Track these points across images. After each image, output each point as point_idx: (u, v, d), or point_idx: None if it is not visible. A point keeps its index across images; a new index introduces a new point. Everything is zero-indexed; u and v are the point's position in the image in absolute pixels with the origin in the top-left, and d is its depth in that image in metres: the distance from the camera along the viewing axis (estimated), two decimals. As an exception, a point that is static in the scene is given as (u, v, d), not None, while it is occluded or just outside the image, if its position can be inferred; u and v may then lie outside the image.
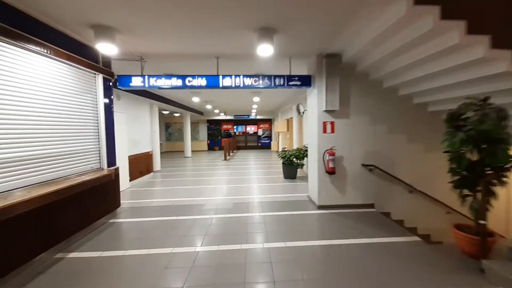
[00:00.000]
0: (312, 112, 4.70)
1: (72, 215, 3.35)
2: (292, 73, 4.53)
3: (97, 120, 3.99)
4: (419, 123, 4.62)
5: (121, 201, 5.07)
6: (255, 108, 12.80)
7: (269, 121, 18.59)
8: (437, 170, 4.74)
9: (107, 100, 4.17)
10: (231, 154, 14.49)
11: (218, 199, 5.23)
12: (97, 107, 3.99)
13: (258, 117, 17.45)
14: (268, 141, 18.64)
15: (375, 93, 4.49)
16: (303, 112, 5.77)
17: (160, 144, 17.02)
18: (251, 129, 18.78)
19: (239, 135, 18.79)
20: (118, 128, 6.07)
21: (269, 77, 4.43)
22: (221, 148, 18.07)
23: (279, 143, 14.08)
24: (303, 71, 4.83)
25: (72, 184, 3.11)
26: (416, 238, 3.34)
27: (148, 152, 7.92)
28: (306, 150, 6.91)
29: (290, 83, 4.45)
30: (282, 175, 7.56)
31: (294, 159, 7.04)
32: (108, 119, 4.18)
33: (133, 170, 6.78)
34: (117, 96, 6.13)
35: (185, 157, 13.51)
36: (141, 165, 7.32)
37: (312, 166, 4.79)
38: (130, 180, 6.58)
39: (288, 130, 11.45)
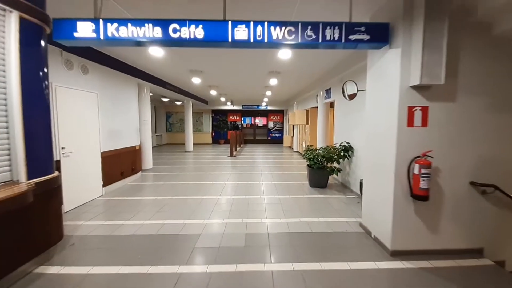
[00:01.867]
0: (384, 90, 2.79)
1: None
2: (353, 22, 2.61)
3: (4, 94, 2.21)
4: None
5: (80, 222, 3.42)
6: (268, 95, 10.85)
7: (280, 113, 16.63)
8: None
9: (31, 61, 2.37)
10: (238, 149, 12.72)
11: (222, 223, 3.45)
12: (4, 71, 2.19)
13: (269, 107, 15.50)
14: (279, 135, 16.74)
15: (502, 57, 2.53)
16: (351, 95, 3.84)
17: (160, 135, 15.40)
18: (260, 121, 16.87)
19: (247, 127, 16.95)
20: (84, 113, 4.31)
21: (314, 26, 2.52)
22: (226, 142, 16.32)
23: (294, 138, 12.18)
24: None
25: None
26: None
27: (135, 146, 6.19)
28: (345, 150, 5.04)
29: (351, 37, 2.53)
30: (306, 181, 5.73)
31: (325, 162, 5.18)
32: (32, 94, 2.39)
33: (110, 171, 5.07)
34: (83, 68, 4.34)
35: (185, 151, 11.79)
36: (122, 163, 5.61)
37: (377, 181, 2.92)
38: (105, 185, 4.87)
39: (307, 122, 9.53)
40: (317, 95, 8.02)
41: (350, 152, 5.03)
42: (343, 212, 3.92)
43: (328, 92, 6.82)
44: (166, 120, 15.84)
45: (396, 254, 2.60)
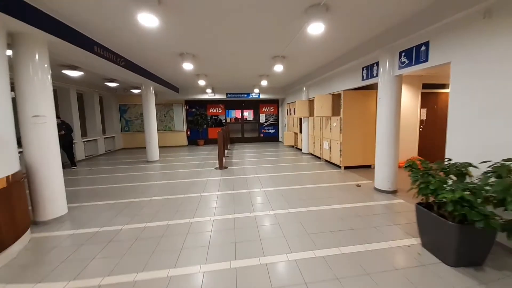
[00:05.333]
0: None
1: None
2: None
3: None
4: None
5: None
6: (277, 72, 7.37)
7: (275, 103, 13.33)
8: None
9: None
10: (225, 152, 9.19)
11: None
12: None
13: (261, 96, 12.09)
14: (273, 130, 13.48)
15: None
16: None
17: (111, 138, 11.04)
18: (249, 114, 13.40)
19: (232, 122, 13.38)
20: None
21: None
22: (207, 142, 12.62)
23: (304, 135, 8.97)
24: None
25: None
26: None
27: (5, 179, 2.39)
28: None
29: None
30: (412, 238, 2.55)
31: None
32: None
33: None
34: None
35: (147, 161, 7.90)
36: None
37: None
38: None
39: (335, 114, 6.37)
40: (371, 66, 4.84)
41: None
42: None
43: (414, 53, 3.65)
44: (120, 115, 11.54)
45: None
